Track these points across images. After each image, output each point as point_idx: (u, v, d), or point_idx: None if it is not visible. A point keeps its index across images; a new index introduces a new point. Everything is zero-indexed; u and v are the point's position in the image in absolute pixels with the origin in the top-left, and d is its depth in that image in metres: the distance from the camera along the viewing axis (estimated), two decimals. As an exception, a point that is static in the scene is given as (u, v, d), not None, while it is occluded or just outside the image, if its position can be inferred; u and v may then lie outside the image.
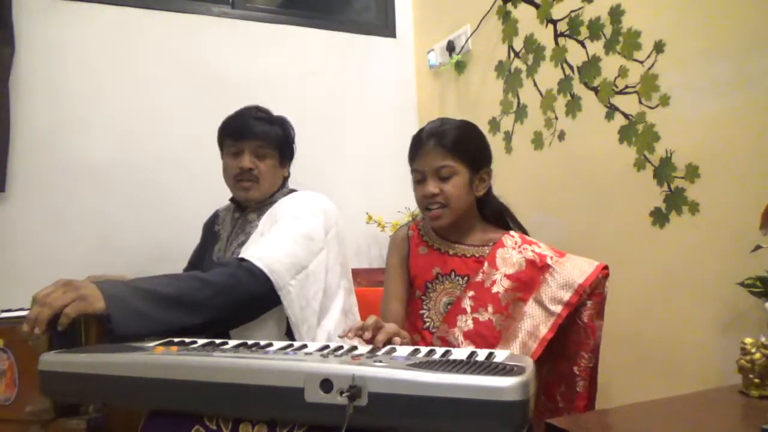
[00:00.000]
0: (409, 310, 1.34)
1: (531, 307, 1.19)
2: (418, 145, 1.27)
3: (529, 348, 1.14)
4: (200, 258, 1.65)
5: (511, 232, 1.31)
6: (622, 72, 1.69)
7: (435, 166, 1.24)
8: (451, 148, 1.24)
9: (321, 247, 1.39)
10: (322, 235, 1.41)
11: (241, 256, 1.28)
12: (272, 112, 1.59)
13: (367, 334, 1.02)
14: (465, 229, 1.31)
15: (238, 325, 1.29)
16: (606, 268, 1.21)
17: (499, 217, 1.35)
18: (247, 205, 1.56)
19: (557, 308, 1.17)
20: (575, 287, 1.17)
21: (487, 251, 1.28)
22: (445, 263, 1.29)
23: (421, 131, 1.30)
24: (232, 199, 1.62)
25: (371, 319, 1.05)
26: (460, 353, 0.86)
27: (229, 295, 1.19)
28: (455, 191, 1.25)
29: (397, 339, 1.04)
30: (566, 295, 1.17)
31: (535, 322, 1.17)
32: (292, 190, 1.59)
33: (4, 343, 1.10)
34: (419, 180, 1.28)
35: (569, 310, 1.17)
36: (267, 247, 1.31)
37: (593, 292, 1.19)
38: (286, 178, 1.61)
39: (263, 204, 1.53)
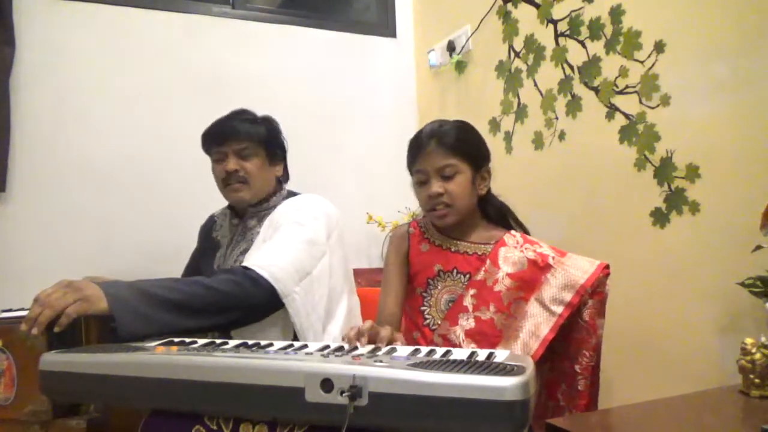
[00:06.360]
0: (409, 306, 1.34)
1: (532, 307, 1.19)
2: (419, 147, 1.27)
3: (530, 348, 1.14)
4: (199, 264, 1.64)
5: (513, 231, 1.31)
6: (623, 72, 1.69)
7: (438, 166, 1.24)
8: (453, 147, 1.24)
9: (324, 252, 1.39)
10: (324, 239, 1.40)
11: (244, 264, 1.27)
12: (257, 113, 1.57)
13: (363, 340, 1.01)
14: (468, 227, 1.31)
15: (239, 327, 1.29)
16: (607, 267, 1.21)
17: (501, 216, 1.36)
18: (245, 211, 1.54)
19: (559, 309, 1.17)
20: (577, 288, 1.17)
21: (489, 249, 1.28)
22: (447, 260, 1.29)
23: (419, 134, 1.29)
24: (229, 206, 1.61)
25: (367, 324, 1.04)
26: (460, 353, 0.86)
27: (233, 303, 1.19)
28: (459, 190, 1.25)
29: (398, 343, 1.03)
30: (568, 296, 1.17)
31: (537, 322, 1.17)
32: (291, 193, 1.58)
33: (3, 344, 1.10)
34: (422, 181, 1.27)
35: (571, 311, 1.17)
36: (270, 254, 1.30)
37: (594, 291, 1.19)
38: (280, 178, 1.59)
39: (262, 209, 1.52)
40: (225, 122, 1.51)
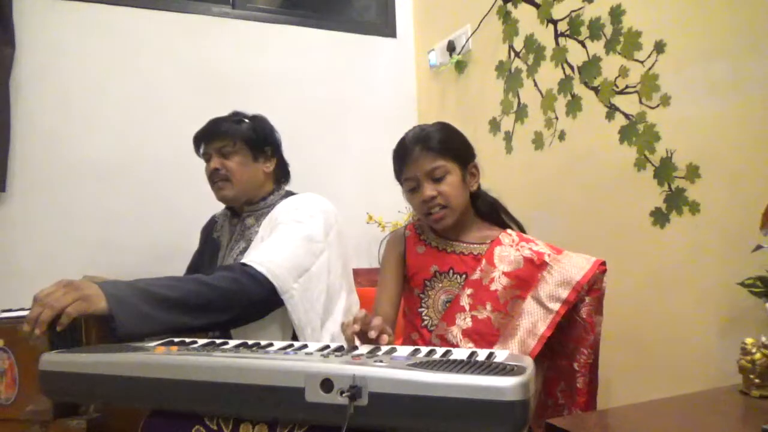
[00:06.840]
0: (407, 308, 1.34)
1: (529, 305, 1.20)
2: (405, 154, 1.27)
3: (527, 346, 1.14)
4: (200, 265, 1.65)
5: (509, 230, 1.32)
6: (623, 72, 1.69)
7: (427, 169, 1.24)
8: (438, 149, 1.24)
9: (322, 249, 1.39)
10: (322, 237, 1.41)
11: (243, 261, 1.28)
12: (255, 113, 1.58)
13: (356, 326, 1.00)
14: (462, 227, 1.32)
15: (240, 326, 1.29)
16: (604, 263, 1.22)
17: (493, 211, 1.36)
18: (242, 210, 1.56)
19: (555, 306, 1.17)
20: (573, 284, 1.18)
21: (485, 249, 1.28)
22: (443, 261, 1.29)
23: (402, 141, 1.29)
24: (227, 206, 1.62)
25: (361, 313, 1.04)
26: (460, 353, 0.86)
27: (232, 300, 1.20)
28: (452, 190, 1.25)
29: (384, 337, 1.01)
30: (564, 293, 1.17)
31: (534, 320, 1.17)
32: (289, 193, 1.59)
33: (4, 343, 1.10)
34: (413, 188, 1.27)
35: (567, 308, 1.17)
36: (269, 251, 1.31)
37: (591, 288, 1.19)
38: (279, 178, 1.60)
39: (259, 207, 1.53)
40: (210, 123, 1.55)
